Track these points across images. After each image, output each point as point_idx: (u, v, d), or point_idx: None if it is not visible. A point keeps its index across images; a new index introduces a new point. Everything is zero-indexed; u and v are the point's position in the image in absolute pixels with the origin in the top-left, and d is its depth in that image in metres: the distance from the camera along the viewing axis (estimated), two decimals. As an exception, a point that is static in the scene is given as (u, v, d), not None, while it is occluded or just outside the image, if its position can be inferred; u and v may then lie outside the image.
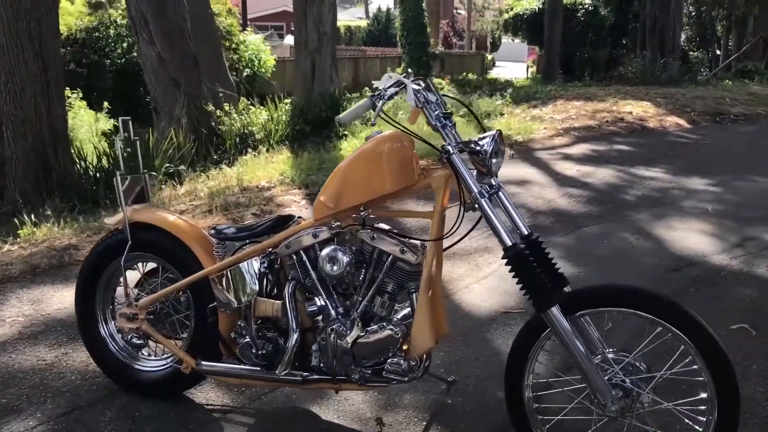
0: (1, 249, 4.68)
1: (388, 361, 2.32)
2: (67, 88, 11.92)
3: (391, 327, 2.32)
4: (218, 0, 21.83)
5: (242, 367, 2.51)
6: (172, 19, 8.83)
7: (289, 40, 34.83)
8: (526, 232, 2.36)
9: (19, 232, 5.05)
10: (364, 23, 40.10)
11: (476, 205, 2.24)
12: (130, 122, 2.79)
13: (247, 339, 2.49)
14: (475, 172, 2.30)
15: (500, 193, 2.38)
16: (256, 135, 8.87)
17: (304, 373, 2.43)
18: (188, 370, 2.60)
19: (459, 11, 41.39)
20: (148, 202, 2.81)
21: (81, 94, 12.87)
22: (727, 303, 3.70)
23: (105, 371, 2.83)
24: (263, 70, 19.35)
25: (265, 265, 2.50)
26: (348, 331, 2.35)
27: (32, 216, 5.31)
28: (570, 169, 6.85)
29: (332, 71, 11.22)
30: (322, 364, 2.42)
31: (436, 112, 2.31)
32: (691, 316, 2.13)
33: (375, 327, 2.34)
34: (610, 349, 2.28)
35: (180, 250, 2.64)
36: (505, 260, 2.24)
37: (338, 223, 2.40)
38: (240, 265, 2.51)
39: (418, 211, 2.47)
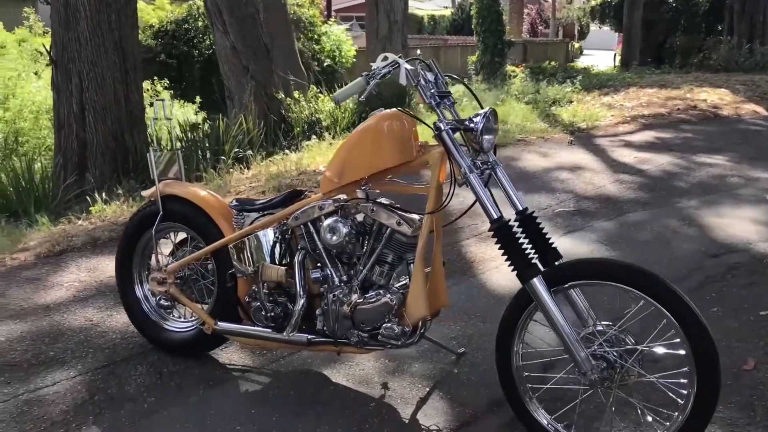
0: (74, 223, 5.08)
1: (383, 326, 2.46)
2: (155, 77, 12.56)
3: (388, 294, 2.46)
4: (301, -9, 22.32)
5: (254, 328, 2.72)
6: (245, 10, 9.19)
7: (373, 30, 35.26)
8: (521, 207, 2.45)
9: (90, 208, 5.45)
10: (448, 12, 40.04)
11: (465, 180, 2.34)
12: (165, 103, 3.03)
13: (267, 303, 2.69)
14: (470, 150, 2.42)
15: (497, 169, 2.47)
16: (323, 122, 9.13)
17: (309, 336, 2.61)
18: (210, 330, 2.82)
19: (547, -1, 40.61)
20: (181, 177, 3.05)
21: (167, 83, 13.47)
22: (762, 289, 3.64)
23: (138, 329, 3.09)
24: (344, 60, 19.66)
25: (278, 235, 2.69)
26: (348, 298, 2.51)
27: (103, 194, 5.72)
28: (628, 156, 6.76)
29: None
30: (325, 328, 2.59)
31: (432, 91, 2.42)
32: (670, 289, 2.17)
33: (373, 294, 2.49)
34: (602, 322, 2.36)
35: (205, 221, 2.86)
36: (491, 232, 2.34)
37: (344, 197, 2.56)
38: (256, 234, 2.72)
39: (417, 186, 2.58)
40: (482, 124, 2.33)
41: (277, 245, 2.70)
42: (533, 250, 2.47)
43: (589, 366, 2.22)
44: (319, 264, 2.62)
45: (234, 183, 6.38)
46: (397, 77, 2.37)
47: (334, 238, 2.48)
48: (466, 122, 2.38)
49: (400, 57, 2.39)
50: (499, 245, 2.33)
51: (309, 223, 2.60)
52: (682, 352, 2.17)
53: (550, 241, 2.47)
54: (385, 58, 2.39)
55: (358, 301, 2.49)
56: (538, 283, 2.27)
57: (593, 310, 2.36)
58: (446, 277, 3.75)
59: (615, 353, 2.26)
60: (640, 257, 4.06)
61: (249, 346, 2.96)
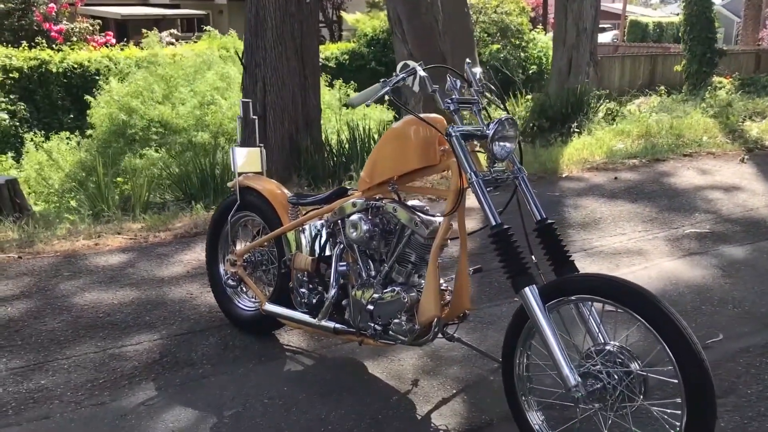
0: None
1: (393, 321, 2.56)
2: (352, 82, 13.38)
3: (403, 292, 2.55)
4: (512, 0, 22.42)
5: (293, 312, 2.95)
6: (424, 19, 9.49)
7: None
8: (539, 218, 2.43)
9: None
10: (677, 19, 37.43)
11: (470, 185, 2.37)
12: (250, 104, 3.36)
13: (302, 289, 2.92)
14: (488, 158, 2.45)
15: (520, 177, 2.47)
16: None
17: (337, 324, 2.78)
18: (262, 311, 3.10)
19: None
20: (262, 172, 3.37)
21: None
22: None
23: (218, 303, 3.46)
24: (550, 67, 19.45)
25: (323, 229, 2.91)
26: (369, 292, 2.65)
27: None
28: (805, 179, 6.04)
29: (589, 68, 11.03)
30: (350, 319, 2.75)
31: (452, 97, 2.48)
32: (662, 311, 2.07)
33: (389, 290, 2.60)
34: (613, 342, 2.27)
35: (271, 211, 3.14)
36: (490, 238, 2.35)
37: (380, 196, 2.70)
38: (306, 226, 2.95)
39: (440, 189, 2.64)
40: (493, 131, 2.35)
41: (321, 238, 2.91)
42: (549, 262, 2.44)
43: (573, 382, 2.15)
44: (352, 258, 2.78)
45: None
46: (412, 84, 2.46)
47: (355, 233, 2.62)
48: (482, 129, 2.41)
49: (420, 65, 2.48)
50: (496, 252, 2.33)
51: (345, 219, 2.77)
52: (675, 380, 2.05)
53: (568, 254, 2.43)
54: (405, 66, 2.49)
55: (375, 295, 2.62)
56: (529, 292, 2.24)
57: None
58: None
59: (611, 374, 2.18)
60: (756, 288, 3.70)
61: (294, 329, 3.19)
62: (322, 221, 2.93)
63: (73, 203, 8.37)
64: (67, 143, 13.03)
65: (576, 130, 8.73)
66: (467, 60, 2.76)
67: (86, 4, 22.35)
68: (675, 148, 7.13)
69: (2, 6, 20.07)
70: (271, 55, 7.69)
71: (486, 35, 20.74)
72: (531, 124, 9.18)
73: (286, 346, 3.23)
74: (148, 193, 7.16)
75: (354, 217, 2.65)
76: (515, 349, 2.40)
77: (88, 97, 12.94)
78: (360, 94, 2.53)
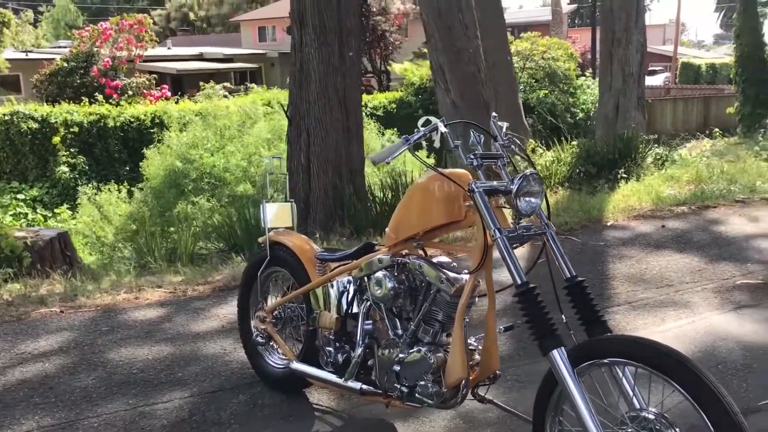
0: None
1: (419, 383, 2.48)
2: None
3: (427, 352, 2.47)
4: (560, 46, 22.41)
5: (320, 371, 2.89)
6: (466, 69, 9.53)
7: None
8: (569, 275, 2.35)
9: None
10: (731, 60, 36.71)
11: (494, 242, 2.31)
12: (281, 160, 3.37)
13: (328, 347, 2.87)
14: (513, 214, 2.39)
15: (548, 233, 2.39)
16: (536, 176, 9.01)
17: (363, 386, 2.71)
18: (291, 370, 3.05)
19: None
20: (293, 227, 3.36)
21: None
22: None
23: (249, 360, 3.41)
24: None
25: (349, 285, 2.86)
26: (396, 352, 2.58)
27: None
28: None
29: (637, 113, 10.87)
30: (377, 379, 2.67)
31: (476, 153, 2.43)
32: (703, 381, 1.93)
33: (414, 350, 2.52)
34: (650, 408, 2.15)
35: (299, 267, 3.12)
36: (516, 298, 2.26)
37: (406, 252, 2.65)
38: (334, 282, 2.91)
39: (466, 246, 2.57)
40: (517, 186, 2.29)
41: (348, 295, 2.87)
42: (580, 321, 2.34)
43: (605, 452, 2.04)
44: (378, 316, 2.72)
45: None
46: (434, 140, 2.42)
47: (379, 291, 2.57)
48: (506, 184, 2.35)
49: (441, 120, 2.44)
50: (522, 312, 2.25)
51: (371, 276, 2.72)
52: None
53: (599, 314, 2.32)
54: (427, 122, 2.46)
55: (401, 355, 2.55)
56: (558, 355, 2.15)
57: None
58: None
59: (645, 444, 2.05)
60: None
61: (323, 387, 3.13)
62: (349, 278, 2.89)
63: (126, 253, 8.48)
64: (118, 195, 13.39)
65: (624, 176, 8.54)
66: (493, 114, 2.71)
67: (144, 61, 23.25)
68: (726, 194, 6.89)
69: (66, 65, 21.04)
70: (315, 107, 7.78)
71: (533, 81, 20.71)
72: (577, 170, 9.03)
73: (316, 405, 3.16)
74: (192, 245, 7.27)
75: (379, 274, 2.61)
76: (546, 415, 2.29)
77: (145, 150, 13.27)
78: (382, 151, 2.49)
